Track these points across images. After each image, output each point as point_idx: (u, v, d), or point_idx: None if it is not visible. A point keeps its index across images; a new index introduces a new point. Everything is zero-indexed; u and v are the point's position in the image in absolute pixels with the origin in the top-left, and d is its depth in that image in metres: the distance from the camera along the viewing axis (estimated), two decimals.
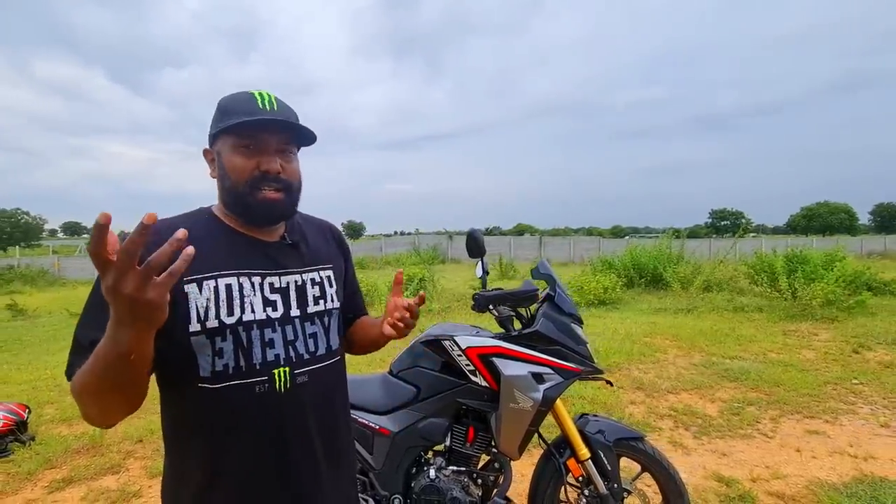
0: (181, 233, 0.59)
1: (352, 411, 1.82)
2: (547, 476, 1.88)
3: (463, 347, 1.77)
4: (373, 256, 24.22)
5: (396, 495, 1.77)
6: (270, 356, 0.89)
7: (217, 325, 0.85)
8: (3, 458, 3.08)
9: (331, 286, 1.02)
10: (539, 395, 1.71)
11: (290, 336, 0.92)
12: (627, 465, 1.90)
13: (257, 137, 0.88)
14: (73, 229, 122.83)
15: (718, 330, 6.07)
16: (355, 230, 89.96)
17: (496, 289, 1.87)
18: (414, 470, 1.84)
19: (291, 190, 0.93)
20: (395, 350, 2.24)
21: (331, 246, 1.09)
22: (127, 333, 0.63)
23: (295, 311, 0.94)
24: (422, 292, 1.02)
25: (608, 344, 5.37)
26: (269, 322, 0.90)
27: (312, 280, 0.99)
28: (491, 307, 1.83)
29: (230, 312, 0.86)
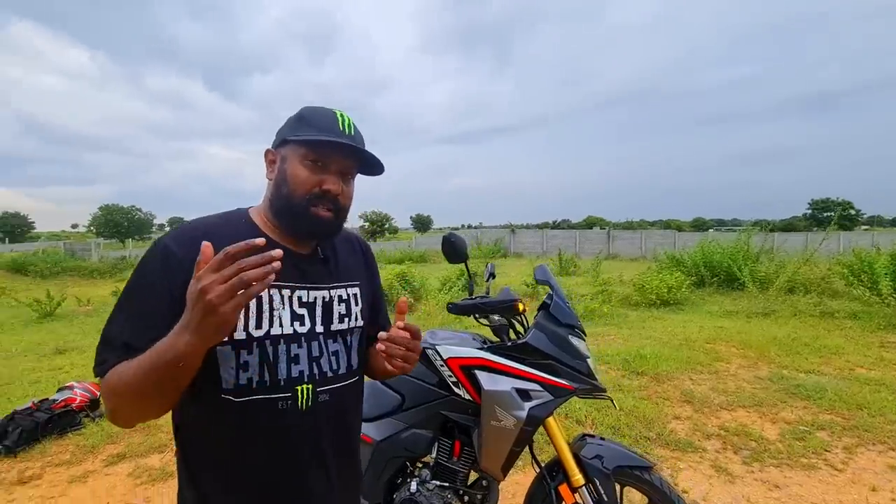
0: (277, 252, 0.65)
1: None
2: (537, 501, 1.74)
3: (444, 358, 1.68)
4: (435, 250, 24.53)
5: None
6: (295, 372, 0.88)
7: (244, 336, 0.84)
8: (75, 430, 3.49)
9: (356, 304, 1.00)
10: (523, 414, 1.57)
11: (315, 353, 0.91)
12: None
13: (329, 157, 0.89)
14: (177, 223, 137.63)
15: (797, 338, 5.36)
16: (423, 223, 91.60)
17: (479, 296, 1.75)
18: (399, 480, 1.79)
19: (342, 212, 0.93)
20: None
21: (359, 261, 1.08)
22: (189, 340, 0.65)
23: (319, 328, 0.92)
24: (402, 298, 0.93)
25: (660, 350, 4.95)
26: (295, 337, 0.88)
27: (339, 297, 0.97)
28: (477, 316, 1.72)
29: (258, 325, 0.85)
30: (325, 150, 0.88)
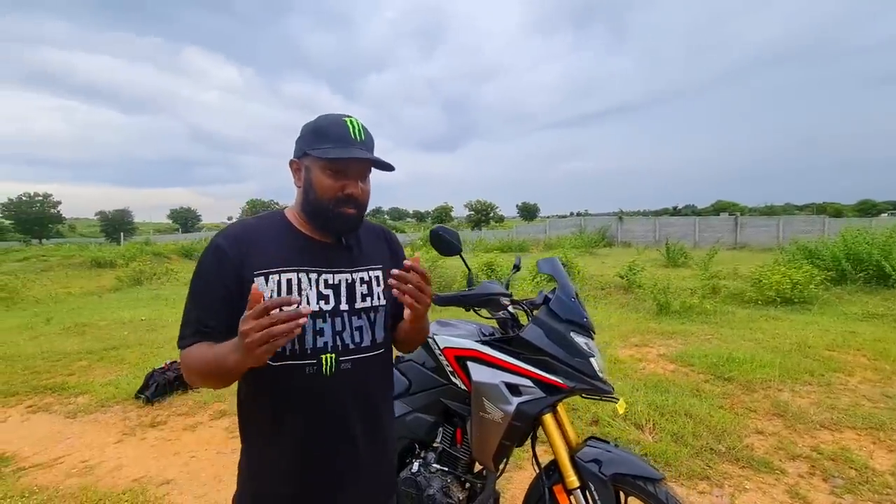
0: (304, 314, 0.83)
1: None
2: (533, 500, 1.71)
3: (441, 347, 1.74)
4: (535, 239, 24.03)
5: None
6: (320, 343, 1.03)
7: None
8: (195, 389, 4.24)
9: (378, 285, 1.13)
10: (511, 408, 1.57)
11: (339, 327, 1.05)
12: None
13: (347, 166, 1.03)
14: None
15: None
16: (529, 211, 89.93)
17: (465, 289, 1.74)
18: (407, 461, 1.90)
19: (362, 208, 1.08)
20: None
21: (382, 248, 1.20)
22: (237, 359, 0.85)
23: (344, 306, 1.06)
24: (416, 254, 1.06)
25: (760, 354, 4.33)
26: (320, 313, 1.03)
27: (361, 279, 1.10)
28: (476, 309, 1.74)
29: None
30: (341, 162, 1.01)
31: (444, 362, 1.74)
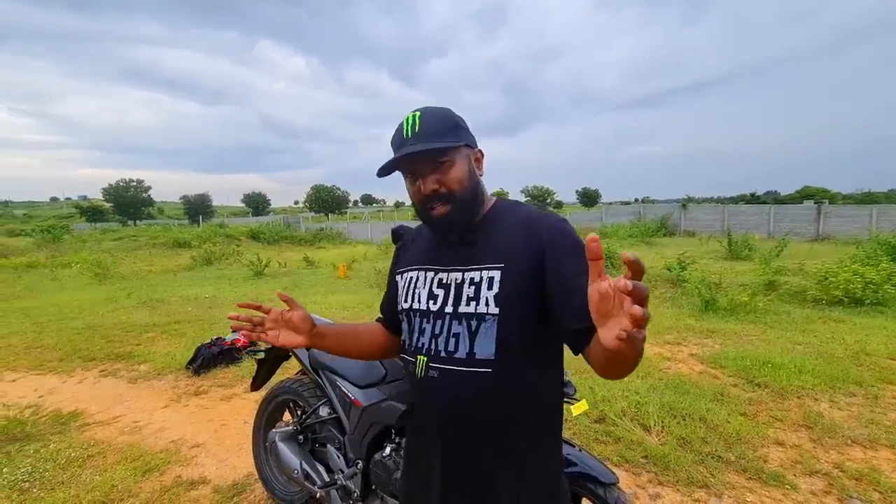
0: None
1: (337, 379, 2.13)
2: None
3: None
4: (590, 227, 23.21)
5: (359, 460, 2.00)
6: (418, 343, 1.02)
7: (403, 307, 1.09)
8: (236, 364, 4.65)
9: (489, 289, 0.93)
10: None
11: (437, 331, 0.98)
12: None
13: (408, 168, 0.97)
14: (367, 200, 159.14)
15: None
16: (590, 197, 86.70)
17: None
18: (382, 444, 2.02)
19: (456, 198, 0.95)
20: None
21: (517, 243, 0.95)
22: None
23: (449, 308, 0.97)
24: (591, 235, 0.63)
25: (803, 359, 3.99)
26: (426, 313, 1.01)
27: (471, 279, 0.96)
28: None
29: (405, 300, 1.07)
30: (403, 165, 0.97)
31: None
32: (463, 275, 0.97)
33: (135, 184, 61.75)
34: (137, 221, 55.83)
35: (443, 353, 0.95)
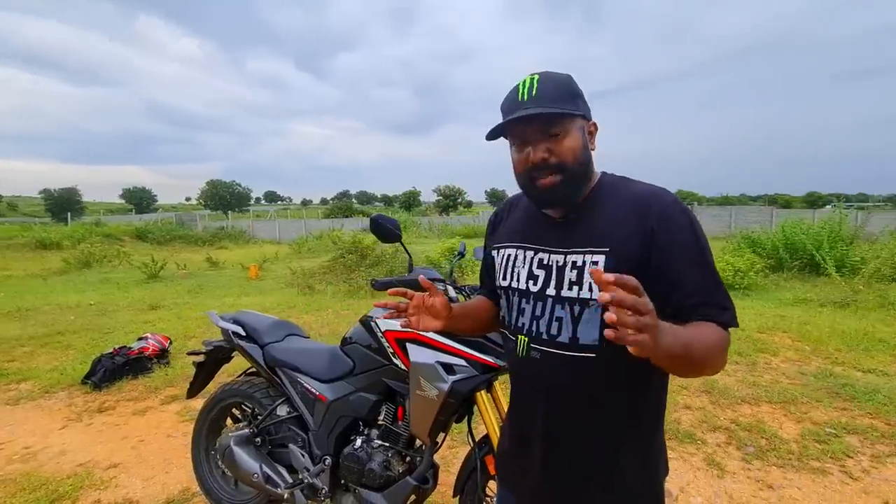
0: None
1: (298, 376, 2.04)
2: (467, 469, 1.84)
3: (382, 330, 1.81)
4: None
5: (326, 456, 1.95)
6: (519, 322, 1.01)
7: (501, 284, 1.07)
8: (146, 374, 4.16)
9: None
10: (445, 386, 1.67)
11: (538, 312, 0.97)
12: None
13: (518, 133, 0.93)
14: (271, 197, 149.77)
15: (870, 333, 4.71)
16: (498, 197, 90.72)
17: (401, 275, 1.83)
18: (351, 437, 1.98)
19: (567, 169, 0.90)
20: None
21: (624, 227, 0.90)
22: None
23: (551, 290, 0.95)
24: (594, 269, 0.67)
25: None
26: (526, 293, 1.00)
27: (573, 263, 0.93)
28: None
29: (504, 278, 1.06)
30: (512, 130, 0.93)
31: (385, 344, 1.82)
32: (565, 258, 0.94)
33: None
34: None
35: (545, 336, 0.95)
